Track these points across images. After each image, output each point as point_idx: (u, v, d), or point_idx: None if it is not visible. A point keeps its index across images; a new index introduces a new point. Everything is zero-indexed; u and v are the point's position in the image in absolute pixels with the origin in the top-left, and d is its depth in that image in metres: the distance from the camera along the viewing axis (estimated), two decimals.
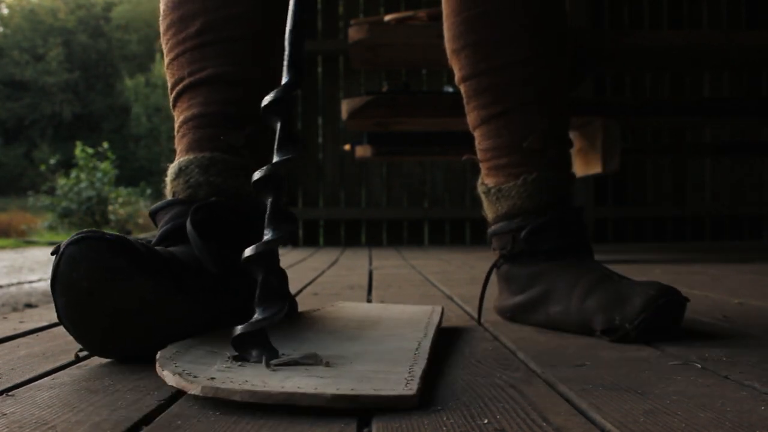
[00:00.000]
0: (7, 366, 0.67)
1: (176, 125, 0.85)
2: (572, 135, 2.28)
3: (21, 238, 8.78)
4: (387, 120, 2.28)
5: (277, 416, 0.48)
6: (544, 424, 0.46)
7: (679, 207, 4.60)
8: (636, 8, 4.63)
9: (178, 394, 0.55)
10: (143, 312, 0.64)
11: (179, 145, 0.84)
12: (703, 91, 4.60)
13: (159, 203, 0.81)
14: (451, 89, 2.47)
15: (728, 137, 4.46)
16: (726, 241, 4.57)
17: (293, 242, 4.50)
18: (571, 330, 0.84)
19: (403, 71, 4.43)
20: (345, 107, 2.14)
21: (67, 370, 0.65)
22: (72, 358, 0.70)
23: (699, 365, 0.64)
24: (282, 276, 0.85)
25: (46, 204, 10.45)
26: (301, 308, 0.94)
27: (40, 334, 0.87)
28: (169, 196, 0.82)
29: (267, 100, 0.61)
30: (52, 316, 1.01)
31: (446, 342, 0.78)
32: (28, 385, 0.59)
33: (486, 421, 0.47)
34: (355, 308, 0.94)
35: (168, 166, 0.84)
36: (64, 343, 0.79)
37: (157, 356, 0.57)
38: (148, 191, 11.93)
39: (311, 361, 0.58)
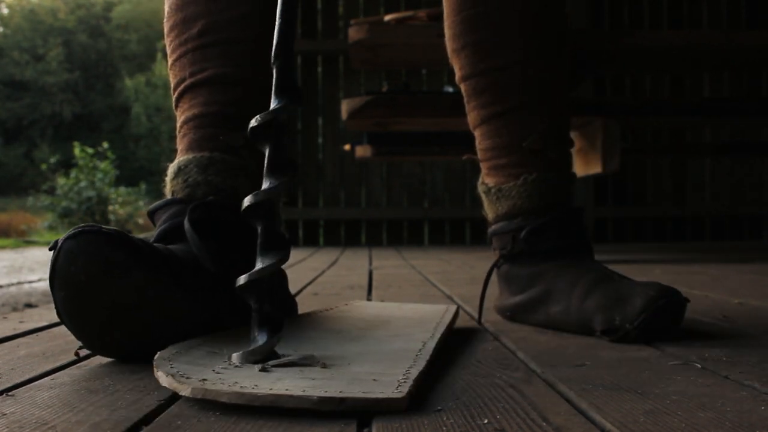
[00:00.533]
0: (7, 366, 0.67)
1: (178, 125, 0.86)
2: (572, 135, 2.28)
3: (21, 238, 8.78)
4: (387, 120, 2.28)
5: (277, 417, 0.48)
6: (544, 424, 0.46)
7: (679, 207, 4.60)
8: (636, 8, 4.63)
9: (178, 394, 0.55)
10: (141, 306, 0.64)
11: (180, 144, 0.85)
12: (703, 92, 4.60)
13: (157, 203, 0.82)
14: (451, 89, 2.47)
15: (728, 137, 4.46)
16: (726, 241, 4.57)
17: (293, 242, 4.50)
18: (571, 330, 0.84)
19: (403, 71, 4.43)
20: (345, 107, 2.14)
21: (67, 370, 0.65)
22: (72, 358, 0.70)
23: (699, 365, 0.64)
24: (281, 275, 0.85)
25: (46, 204, 10.46)
26: (301, 308, 0.94)
27: (40, 334, 0.87)
28: (168, 196, 0.83)
29: (253, 123, 0.61)
30: (52, 316, 1.01)
31: (446, 342, 0.78)
32: (28, 385, 0.59)
33: (486, 421, 0.47)
34: (368, 307, 0.93)
35: (168, 166, 0.84)
36: (64, 343, 0.79)
37: (156, 357, 0.57)
38: (144, 186, 11.93)
39: (307, 362, 0.58)
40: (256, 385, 0.50)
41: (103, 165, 10.40)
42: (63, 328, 0.87)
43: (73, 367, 0.67)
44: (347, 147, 3.43)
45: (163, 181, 0.85)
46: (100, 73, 22.35)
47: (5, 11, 23.12)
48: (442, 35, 1.00)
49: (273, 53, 0.61)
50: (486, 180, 0.97)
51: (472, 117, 0.98)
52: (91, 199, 10.04)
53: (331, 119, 4.57)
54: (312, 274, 1.99)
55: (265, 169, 0.60)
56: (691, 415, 0.48)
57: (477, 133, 0.98)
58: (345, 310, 0.90)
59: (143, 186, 11.89)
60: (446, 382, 0.59)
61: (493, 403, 0.51)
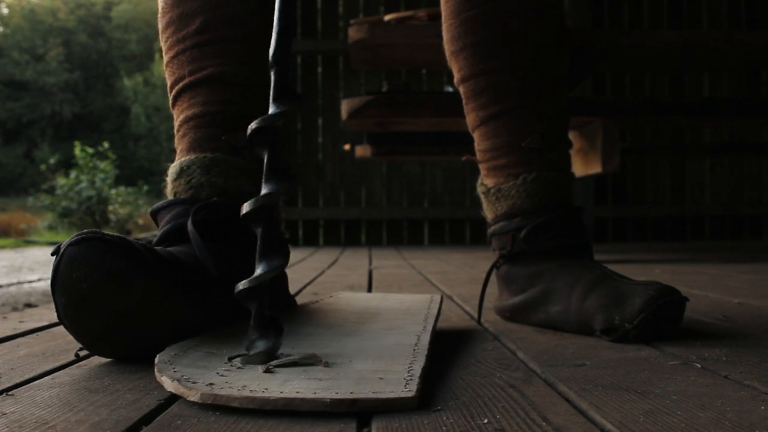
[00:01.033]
0: (7, 366, 0.67)
1: (176, 124, 0.85)
2: (572, 135, 2.28)
3: (21, 237, 8.78)
4: (387, 120, 2.28)
5: (277, 416, 0.48)
6: (544, 424, 0.46)
7: (678, 207, 4.61)
8: (635, 8, 4.63)
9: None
10: (143, 313, 0.64)
11: (180, 144, 0.84)
12: (702, 91, 4.60)
13: (160, 203, 0.81)
14: (451, 89, 2.47)
15: (728, 137, 4.47)
16: (726, 241, 4.57)
17: (293, 242, 4.50)
18: (571, 330, 0.84)
19: (403, 71, 4.43)
20: (345, 107, 2.14)
21: (67, 370, 0.65)
22: (72, 358, 0.70)
23: (699, 365, 0.64)
24: (282, 275, 0.85)
25: (46, 204, 10.45)
26: None
27: (40, 333, 0.87)
28: (170, 196, 0.82)
29: (251, 128, 0.61)
30: (52, 316, 1.01)
31: (446, 342, 0.78)
32: (28, 385, 0.59)
33: (486, 421, 0.47)
34: (354, 299, 0.94)
35: (168, 166, 0.84)
36: (64, 343, 0.79)
37: (156, 360, 0.57)
38: (146, 188, 11.93)
39: (310, 361, 0.58)
40: (265, 389, 0.50)
41: (103, 165, 10.39)
42: (63, 328, 0.87)
43: (73, 366, 0.67)
44: (347, 147, 3.43)
45: (164, 181, 0.84)
46: (99, 73, 22.35)
47: (5, 11, 23.12)
48: (442, 36, 0.99)
49: (270, 58, 0.61)
50: (485, 181, 0.97)
51: (470, 119, 0.98)
52: (91, 199, 10.03)
53: (331, 119, 4.57)
54: (312, 274, 1.99)
55: (263, 174, 0.60)
56: (691, 415, 0.48)
57: (476, 135, 0.98)
58: (332, 302, 0.90)
59: (144, 187, 11.89)
60: (446, 382, 0.59)
61: (493, 403, 0.51)
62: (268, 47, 0.85)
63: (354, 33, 2.16)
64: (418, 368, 0.57)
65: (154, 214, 0.81)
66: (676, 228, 4.65)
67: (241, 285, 0.59)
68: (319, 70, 4.63)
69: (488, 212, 0.97)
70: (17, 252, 5.13)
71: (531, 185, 0.91)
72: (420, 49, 2.27)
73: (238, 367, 0.57)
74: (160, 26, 0.86)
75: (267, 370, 0.56)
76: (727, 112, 2.29)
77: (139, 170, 18.42)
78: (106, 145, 11.01)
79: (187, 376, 0.54)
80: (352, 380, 0.53)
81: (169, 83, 0.86)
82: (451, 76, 1.03)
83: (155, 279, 0.64)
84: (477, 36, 0.94)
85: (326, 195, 4.61)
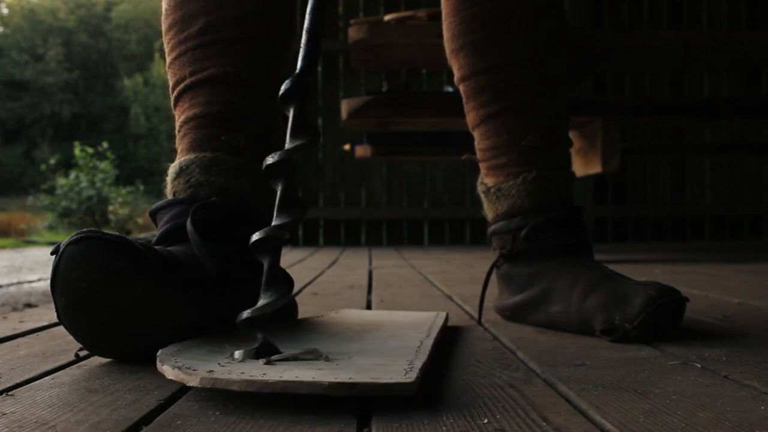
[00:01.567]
0: (7, 366, 0.67)
1: (177, 124, 0.85)
2: (572, 135, 2.28)
3: (21, 237, 8.78)
4: (387, 120, 2.28)
5: (278, 416, 0.48)
6: (544, 424, 0.46)
7: (679, 207, 4.60)
8: (635, 8, 4.63)
9: (178, 393, 0.55)
10: (143, 312, 0.64)
11: (180, 144, 0.84)
12: (702, 91, 4.60)
13: (160, 203, 0.81)
14: (451, 89, 2.47)
15: (728, 137, 4.47)
16: (726, 241, 4.57)
17: (293, 242, 4.50)
18: (571, 330, 0.84)
19: (403, 71, 4.43)
20: (345, 107, 2.14)
21: (67, 370, 0.65)
22: (72, 358, 0.70)
23: (699, 365, 0.64)
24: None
25: (46, 204, 10.45)
26: (301, 308, 0.94)
27: (40, 334, 0.87)
28: (169, 196, 0.82)
29: (269, 161, 0.61)
30: (52, 316, 1.01)
31: (446, 342, 0.78)
32: (28, 385, 0.59)
33: (486, 421, 0.47)
34: (358, 314, 0.93)
35: (168, 166, 0.84)
36: (64, 343, 0.79)
37: (158, 354, 0.57)
38: (143, 187, 11.95)
39: (311, 356, 0.58)
40: (264, 374, 0.51)
41: (103, 165, 10.39)
42: (63, 329, 0.87)
43: (73, 367, 0.67)
44: (347, 147, 3.43)
45: (164, 180, 0.84)
46: (99, 73, 22.35)
47: (5, 11, 23.12)
48: (442, 35, 1.00)
49: (287, 92, 0.62)
50: (485, 180, 0.97)
51: (471, 117, 0.98)
52: (91, 199, 10.03)
53: (331, 119, 4.57)
54: (312, 273, 1.99)
55: (276, 206, 0.61)
56: (691, 415, 0.48)
57: (476, 133, 0.98)
58: (335, 317, 0.90)
59: (141, 187, 11.90)
60: (446, 382, 0.59)
61: (493, 403, 0.51)
62: (270, 48, 0.86)
63: (354, 33, 2.16)
64: (419, 363, 0.57)
65: (153, 214, 0.81)
66: (676, 228, 4.65)
67: (244, 314, 0.59)
68: (319, 70, 4.63)
69: (488, 211, 0.97)
70: (17, 252, 5.13)
71: (531, 184, 0.91)
72: (420, 49, 2.27)
73: (240, 361, 0.57)
74: (163, 28, 0.86)
75: (268, 362, 0.56)
76: (727, 112, 2.29)
77: (139, 170, 18.42)
78: (105, 145, 11.01)
79: (188, 365, 0.54)
80: (352, 370, 0.54)
81: (171, 84, 0.86)
82: (450, 76, 1.03)
83: (155, 278, 0.64)
84: (477, 34, 0.94)
85: (326, 195, 4.60)
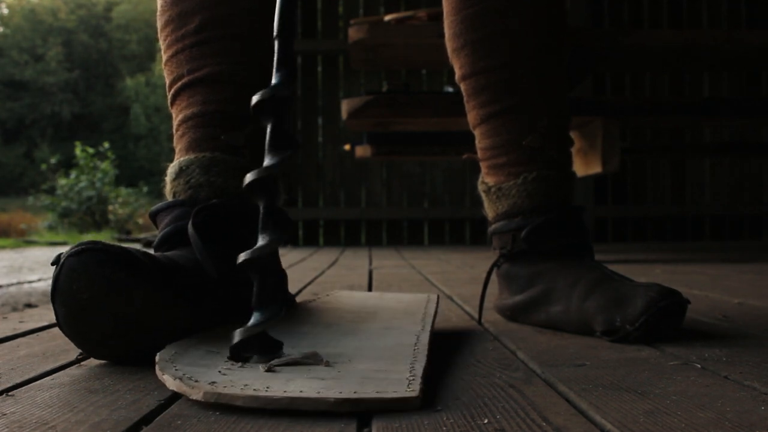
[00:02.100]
0: (7, 366, 0.67)
1: (175, 123, 0.85)
2: (572, 135, 2.28)
3: (21, 237, 8.77)
4: (387, 120, 2.28)
5: (278, 416, 0.48)
6: (544, 424, 0.46)
7: (679, 207, 4.60)
8: (636, 8, 4.63)
9: (178, 394, 0.55)
10: (144, 324, 0.64)
11: (178, 144, 0.84)
12: (702, 91, 4.60)
13: (160, 204, 0.81)
14: (451, 89, 2.47)
15: (728, 137, 4.46)
16: (726, 241, 4.57)
17: (293, 242, 4.50)
18: (571, 330, 0.84)
19: (403, 71, 4.43)
20: (345, 107, 2.14)
21: (67, 370, 0.65)
22: (72, 358, 0.70)
23: (699, 365, 0.64)
24: (282, 276, 0.85)
25: (46, 204, 10.45)
26: None
27: (40, 334, 0.87)
28: (168, 196, 0.82)
29: (255, 99, 0.61)
30: (52, 317, 1.00)
31: (446, 341, 0.78)
32: (28, 385, 0.59)
33: (486, 421, 0.47)
34: (351, 297, 0.94)
35: (167, 166, 0.84)
36: (64, 343, 0.79)
37: (157, 359, 0.57)
38: (145, 189, 11.95)
39: (311, 360, 0.58)
40: (268, 387, 0.51)
41: (103, 165, 10.39)
42: None
43: (73, 367, 0.67)
44: (347, 147, 3.43)
45: (163, 181, 0.84)
46: (100, 73, 22.34)
47: (5, 11, 23.11)
48: (442, 35, 1.00)
49: (275, 28, 0.62)
50: (486, 179, 0.97)
51: (471, 116, 0.98)
52: (91, 199, 10.03)
53: (331, 119, 4.57)
54: (312, 274, 1.99)
55: (266, 145, 0.61)
56: (691, 415, 0.48)
57: (477, 133, 0.98)
58: (329, 300, 0.90)
59: (145, 188, 11.91)
60: (446, 382, 0.59)
61: (493, 403, 0.51)
62: (267, 46, 0.85)
63: (354, 33, 2.16)
64: (419, 368, 0.57)
65: (153, 216, 0.81)
66: (676, 228, 4.65)
67: (242, 256, 0.59)
68: (319, 70, 4.63)
69: (489, 210, 0.97)
70: (17, 252, 5.13)
71: (531, 185, 0.91)
72: (420, 49, 2.27)
73: (240, 366, 0.57)
74: (159, 25, 0.86)
75: (269, 369, 0.56)
76: (727, 112, 2.29)
77: (140, 170, 18.42)
78: (106, 145, 11.01)
79: (189, 374, 0.54)
80: (354, 380, 0.53)
81: (167, 82, 0.86)
82: (451, 75, 1.03)
83: (155, 289, 0.64)
84: (477, 33, 0.94)
85: (326, 195, 4.60)
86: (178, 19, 0.83)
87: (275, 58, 0.61)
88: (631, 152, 3.31)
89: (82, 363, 0.68)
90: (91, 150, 10.44)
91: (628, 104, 2.31)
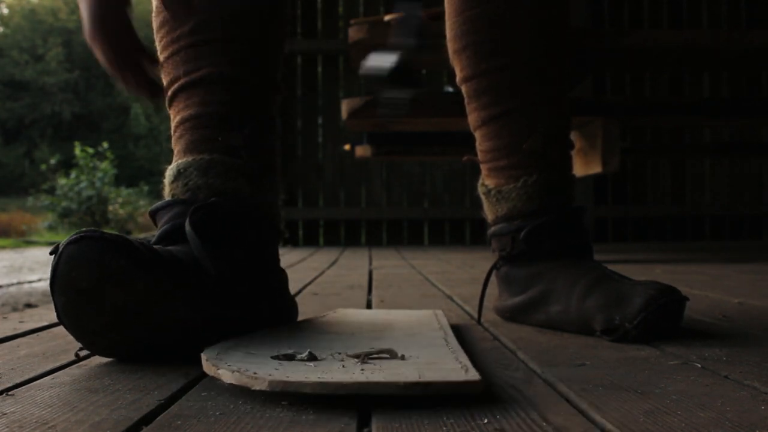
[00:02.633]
0: (7, 366, 0.67)
1: (173, 125, 0.85)
2: (572, 135, 2.28)
3: (21, 238, 8.78)
4: (387, 120, 2.28)
5: (278, 416, 0.48)
6: (544, 424, 0.46)
7: (679, 207, 4.61)
8: (636, 8, 4.63)
9: (178, 393, 0.55)
10: (142, 311, 0.64)
11: (176, 145, 0.84)
12: (702, 91, 4.61)
13: (159, 203, 0.81)
14: (451, 89, 2.47)
15: (728, 137, 4.47)
16: (726, 240, 4.57)
17: (293, 242, 4.50)
18: (571, 330, 0.84)
19: None
20: (345, 107, 2.14)
21: (67, 370, 0.65)
22: (72, 358, 0.70)
23: (699, 365, 0.64)
24: (282, 276, 0.85)
25: (46, 204, 10.45)
26: (301, 308, 0.94)
27: (40, 334, 0.87)
28: (167, 198, 0.82)
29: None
30: (52, 316, 1.01)
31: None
32: (28, 385, 0.59)
33: (486, 421, 0.47)
34: (359, 314, 0.93)
35: (166, 168, 0.84)
36: (64, 343, 0.79)
37: (204, 357, 0.57)
38: (146, 189, 11.96)
39: (388, 354, 0.59)
40: (332, 377, 0.51)
41: (103, 165, 10.39)
42: (63, 329, 0.87)
43: (73, 366, 0.67)
44: (347, 147, 3.43)
45: (163, 182, 0.84)
46: (100, 73, 22.29)
47: (5, 11, 23.11)
48: (442, 35, 0.99)
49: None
50: (486, 181, 0.97)
51: (472, 119, 0.98)
52: (91, 199, 10.03)
53: (331, 119, 4.57)
54: (312, 273, 1.99)
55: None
56: (691, 415, 0.48)
57: (477, 135, 0.98)
58: (336, 317, 0.89)
59: (145, 188, 11.91)
60: None
61: (493, 403, 0.51)
62: (263, 47, 0.85)
63: (354, 33, 2.16)
64: (465, 360, 0.58)
65: (153, 214, 0.81)
66: (676, 228, 4.65)
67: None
68: (319, 70, 4.63)
69: (489, 213, 0.97)
70: (17, 252, 5.13)
71: (531, 188, 0.91)
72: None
73: (291, 363, 0.57)
74: (155, 25, 0.86)
75: (362, 361, 0.57)
76: (727, 112, 2.29)
77: (139, 170, 18.41)
78: (105, 145, 11.01)
79: (245, 368, 0.54)
80: (412, 369, 0.54)
81: (164, 83, 0.86)
82: (451, 76, 1.03)
83: (155, 278, 0.64)
84: (478, 35, 0.93)
85: (326, 195, 4.61)
86: (173, 20, 0.83)
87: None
88: (631, 152, 3.31)
89: (82, 363, 0.68)
90: (90, 150, 10.44)
91: (628, 104, 2.31)
